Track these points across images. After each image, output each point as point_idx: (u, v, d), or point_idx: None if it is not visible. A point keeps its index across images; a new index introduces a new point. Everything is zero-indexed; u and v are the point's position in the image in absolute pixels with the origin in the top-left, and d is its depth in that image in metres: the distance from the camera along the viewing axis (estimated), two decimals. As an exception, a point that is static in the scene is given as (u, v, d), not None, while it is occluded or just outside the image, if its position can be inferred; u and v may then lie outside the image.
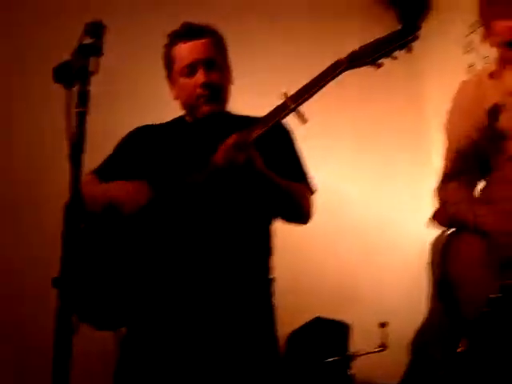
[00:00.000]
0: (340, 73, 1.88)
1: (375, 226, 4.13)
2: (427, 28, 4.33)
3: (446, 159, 2.43)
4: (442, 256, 2.35)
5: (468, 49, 4.16)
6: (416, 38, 1.85)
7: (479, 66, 3.97)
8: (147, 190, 2.07)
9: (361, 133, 4.23)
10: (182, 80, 2.19)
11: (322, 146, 3.90)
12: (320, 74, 1.91)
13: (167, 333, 2.03)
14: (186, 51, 2.17)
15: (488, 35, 2.22)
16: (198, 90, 2.15)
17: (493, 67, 2.32)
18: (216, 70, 2.17)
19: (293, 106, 1.90)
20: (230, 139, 1.94)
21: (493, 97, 2.29)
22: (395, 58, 1.87)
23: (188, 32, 2.19)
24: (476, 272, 2.20)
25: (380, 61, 1.86)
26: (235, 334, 2.03)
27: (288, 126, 2.23)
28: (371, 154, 4.24)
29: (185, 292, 2.02)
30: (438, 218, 2.43)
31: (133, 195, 2.06)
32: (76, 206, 1.51)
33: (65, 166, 1.55)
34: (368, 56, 1.86)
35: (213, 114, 2.16)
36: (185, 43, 2.18)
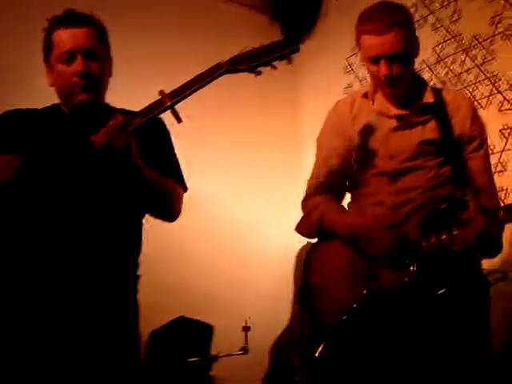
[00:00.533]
0: (219, 75, 1.90)
1: (244, 232, 4.18)
2: (312, 45, 4.50)
3: (315, 173, 2.51)
4: (305, 264, 2.39)
5: (348, 70, 4.34)
6: (297, 50, 1.90)
7: (356, 88, 4.15)
8: (13, 162, 2.00)
9: (236, 139, 4.27)
10: (60, 66, 2.14)
11: (198, 149, 3.91)
12: (199, 75, 1.92)
13: (29, 326, 1.95)
14: (66, 38, 2.13)
15: (359, 50, 2.32)
16: (75, 79, 2.11)
17: (367, 88, 2.43)
18: (95, 60, 2.14)
19: (169, 103, 1.90)
20: (112, 121, 1.92)
21: (364, 116, 2.39)
22: (275, 68, 1.91)
23: (70, 18, 2.15)
24: (336, 281, 2.27)
25: (260, 68, 1.90)
26: (97, 329, 2.00)
27: (166, 125, 2.24)
28: (245, 160, 4.30)
29: (49, 284, 1.96)
30: (303, 227, 2.48)
31: None
32: None
33: None
34: (248, 62, 1.89)
35: (88, 103, 2.13)
36: (66, 29, 2.13)
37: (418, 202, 2.26)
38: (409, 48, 2.22)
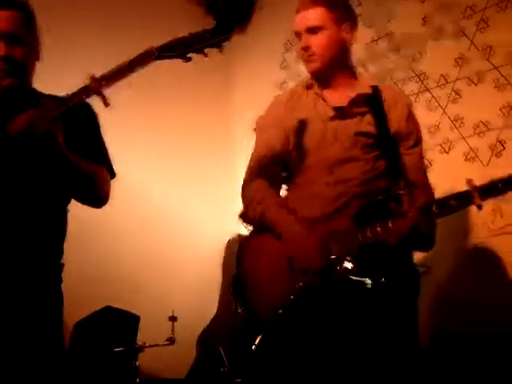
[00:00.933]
0: (149, 62, 1.89)
1: (174, 222, 4.17)
2: (247, 39, 4.49)
3: (254, 159, 2.49)
4: (238, 254, 2.38)
5: (283, 65, 4.37)
6: (228, 38, 1.90)
7: (292, 84, 4.18)
8: None
9: (168, 129, 4.25)
10: None
11: (130, 137, 3.89)
12: (129, 61, 1.90)
13: None
14: None
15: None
16: None
17: (309, 81, 2.45)
18: (20, 45, 2.08)
19: (97, 88, 1.88)
20: (32, 110, 1.88)
21: (304, 105, 2.42)
22: (206, 55, 1.90)
23: None
24: (270, 273, 2.26)
25: (190, 55, 1.88)
26: (19, 319, 1.95)
27: (94, 110, 2.20)
28: (178, 150, 4.28)
29: None
30: (246, 217, 2.47)
31: None
32: None
33: None
34: (178, 48, 1.87)
35: (12, 87, 2.07)
36: None
37: (354, 195, 2.29)
38: (325, 25, 2.31)
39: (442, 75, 3.46)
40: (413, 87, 3.59)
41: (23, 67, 2.10)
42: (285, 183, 2.52)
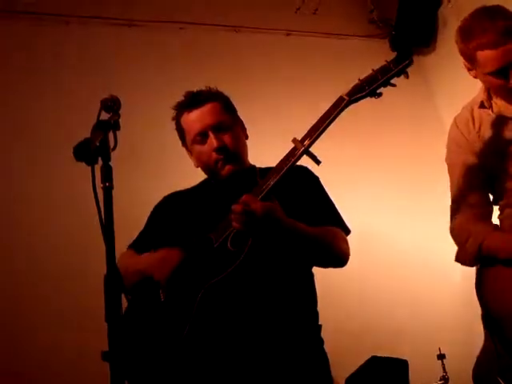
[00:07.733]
0: (343, 108, 1.90)
1: (413, 260, 4.10)
2: (439, 54, 4.44)
3: (455, 195, 2.37)
4: (478, 292, 2.27)
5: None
6: (411, 63, 1.89)
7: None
8: (176, 256, 2.10)
9: (380, 166, 4.26)
10: (197, 148, 2.22)
11: (345, 186, 3.93)
12: (324, 114, 1.93)
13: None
14: (193, 120, 2.21)
15: (471, 68, 2.23)
16: (214, 155, 2.17)
17: (479, 98, 2.33)
18: (226, 131, 2.19)
19: (302, 148, 1.91)
20: (237, 205, 1.91)
21: (487, 125, 2.28)
22: (394, 86, 1.90)
23: (192, 100, 2.23)
24: None
25: (379, 90, 1.89)
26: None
27: (312, 171, 2.24)
28: (394, 187, 4.26)
29: (237, 347, 2.00)
30: (461, 257, 2.34)
31: (160, 263, 2.11)
32: (113, 278, 1.53)
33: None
34: (366, 88, 1.89)
35: (234, 173, 2.18)
36: (190, 112, 2.21)
37: None
38: None
39: None
40: None
41: (236, 151, 2.20)
42: (493, 205, 2.36)
